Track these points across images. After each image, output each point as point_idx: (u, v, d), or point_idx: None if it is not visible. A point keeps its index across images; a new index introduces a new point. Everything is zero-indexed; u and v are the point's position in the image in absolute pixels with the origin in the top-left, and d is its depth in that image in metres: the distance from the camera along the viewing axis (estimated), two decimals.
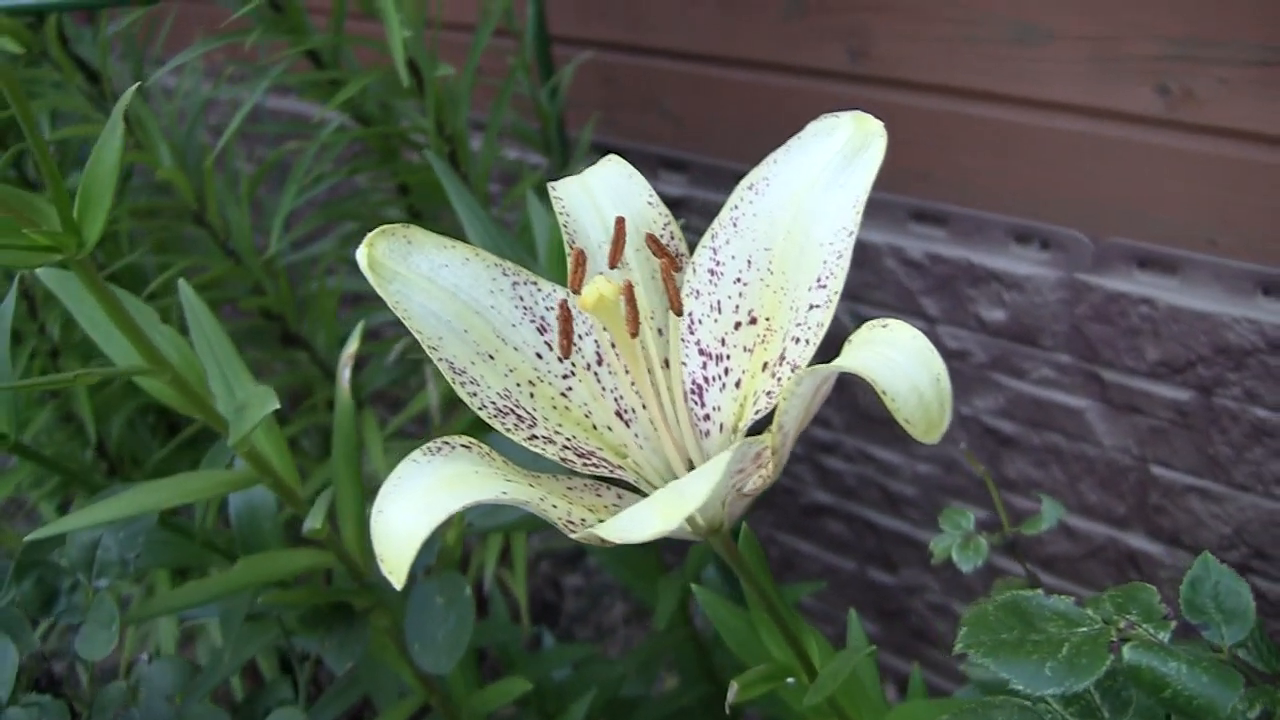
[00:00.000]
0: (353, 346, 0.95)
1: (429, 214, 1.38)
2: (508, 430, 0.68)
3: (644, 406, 0.72)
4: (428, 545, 0.70)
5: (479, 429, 0.70)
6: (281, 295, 1.35)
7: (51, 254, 0.75)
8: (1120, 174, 1.34)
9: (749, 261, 0.72)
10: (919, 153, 1.48)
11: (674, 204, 1.70)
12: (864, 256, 1.54)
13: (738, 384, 0.72)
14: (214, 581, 0.92)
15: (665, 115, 1.68)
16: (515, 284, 0.71)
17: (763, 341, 0.71)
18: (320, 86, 1.27)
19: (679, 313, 0.70)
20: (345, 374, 0.95)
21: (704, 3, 1.57)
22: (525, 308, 0.71)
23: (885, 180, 1.49)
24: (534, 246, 1.13)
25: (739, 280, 0.72)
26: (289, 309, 1.35)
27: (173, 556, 1.00)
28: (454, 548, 0.99)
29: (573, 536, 0.61)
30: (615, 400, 0.72)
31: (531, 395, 0.70)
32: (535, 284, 0.72)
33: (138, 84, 0.77)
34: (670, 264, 0.68)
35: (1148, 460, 1.41)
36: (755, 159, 1.58)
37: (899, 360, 0.57)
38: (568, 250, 0.73)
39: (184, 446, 1.34)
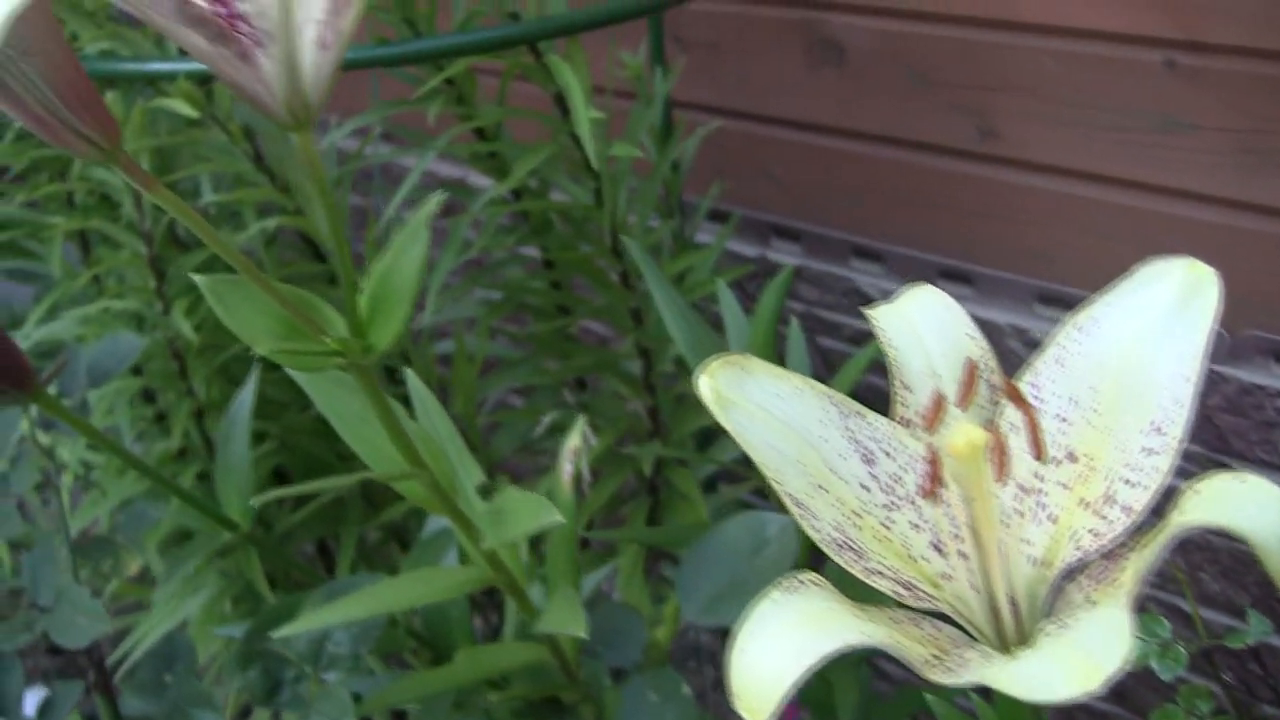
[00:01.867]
0: (575, 441, 0.95)
1: (566, 283, 1.37)
2: (847, 564, 0.68)
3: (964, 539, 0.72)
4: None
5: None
6: (426, 362, 1.33)
7: (334, 359, 0.74)
8: (1259, 266, 1.35)
9: (1072, 400, 0.72)
10: (1045, 235, 1.48)
11: None
12: (987, 337, 1.54)
13: (1053, 519, 0.72)
14: (439, 675, 0.91)
15: (776, 182, 1.68)
16: (843, 414, 0.71)
17: (1082, 480, 0.71)
18: (481, 156, 1.26)
19: (1042, 460, 0.69)
20: (568, 468, 0.94)
21: (823, 72, 1.58)
22: (853, 439, 0.71)
23: (1009, 260, 1.50)
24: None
25: (1060, 417, 0.72)
26: (431, 376, 1.34)
27: (381, 644, 0.98)
28: (664, 643, 0.99)
29: (932, 678, 0.60)
30: (933, 531, 0.72)
31: (858, 527, 0.70)
32: (862, 415, 0.71)
33: (440, 193, 0.76)
34: (1030, 415, 0.68)
35: None
36: (873, 231, 1.59)
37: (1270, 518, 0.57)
38: (893, 381, 0.72)
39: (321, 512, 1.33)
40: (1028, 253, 1.51)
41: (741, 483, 1.47)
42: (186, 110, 1.13)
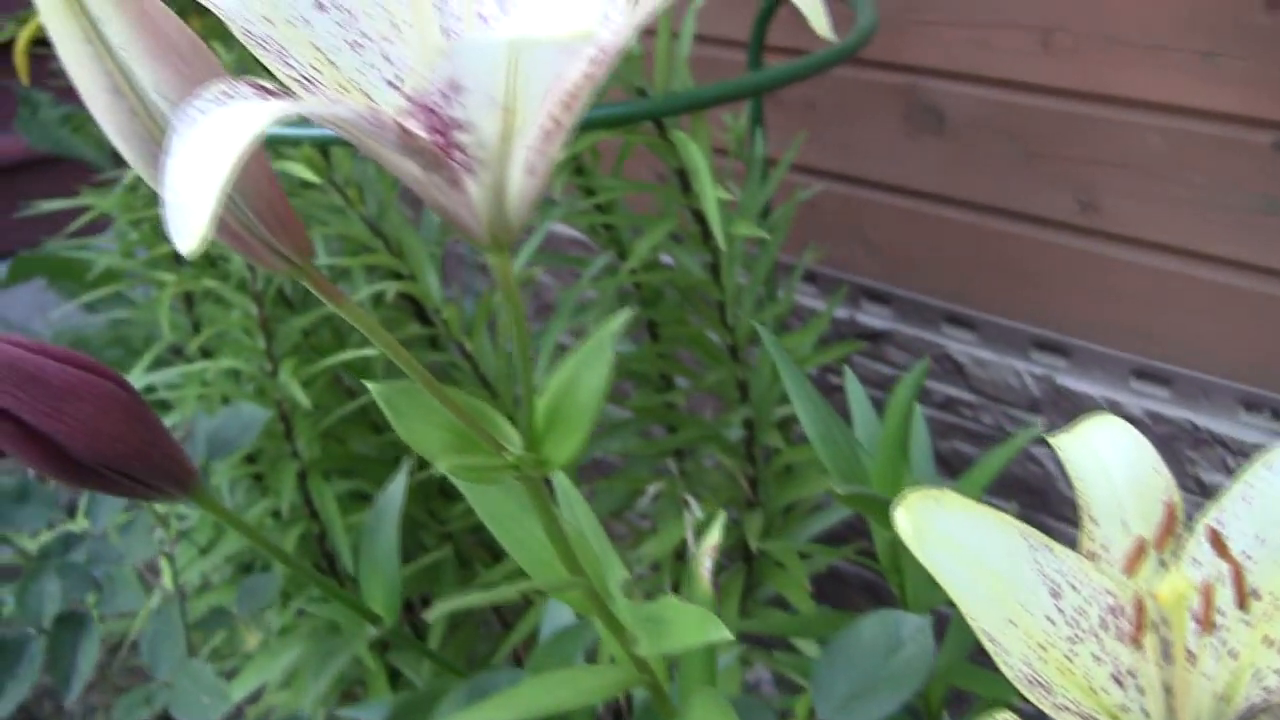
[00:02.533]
0: (715, 538, 0.94)
1: (671, 353, 1.36)
2: (1038, 699, 0.67)
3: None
4: None
5: None
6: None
7: (508, 471, 0.73)
8: None
9: (1259, 538, 0.71)
10: (1144, 310, 1.47)
11: (876, 336, 1.69)
12: (1077, 408, 1.53)
13: (1233, 655, 0.71)
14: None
15: (869, 246, 1.67)
16: (1031, 547, 0.70)
17: (1267, 618, 0.70)
18: (598, 227, 1.26)
19: (1245, 609, 0.68)
20: (707, 565, 0.93)
21: (923, 140, 1.57)
22: (1041, 572, 0.70)
23: (1105, 334, 1.49)
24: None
25: (1245, 554, 0.71)
26: None
27: None
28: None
29: None
30: (1114, 664, 0.71)
31: (1043, 660, 0.69)
32: (1049, 548, 0.71)
33: (626, 311, 0.75)
34: (1235, 566, 0.67)
35: None
36: (967, 299, 1.58)
37: None
38: (1081, 514, 0.72)
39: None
40: (1125, 327, 1.49)
41: (839, 547, 1.46)
42: (308, 175, 1.12)
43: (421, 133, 0.57)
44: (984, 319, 1.60)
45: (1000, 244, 1.55)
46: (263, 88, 0.55)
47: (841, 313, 1.70)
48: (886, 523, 1.08)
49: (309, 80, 0.60)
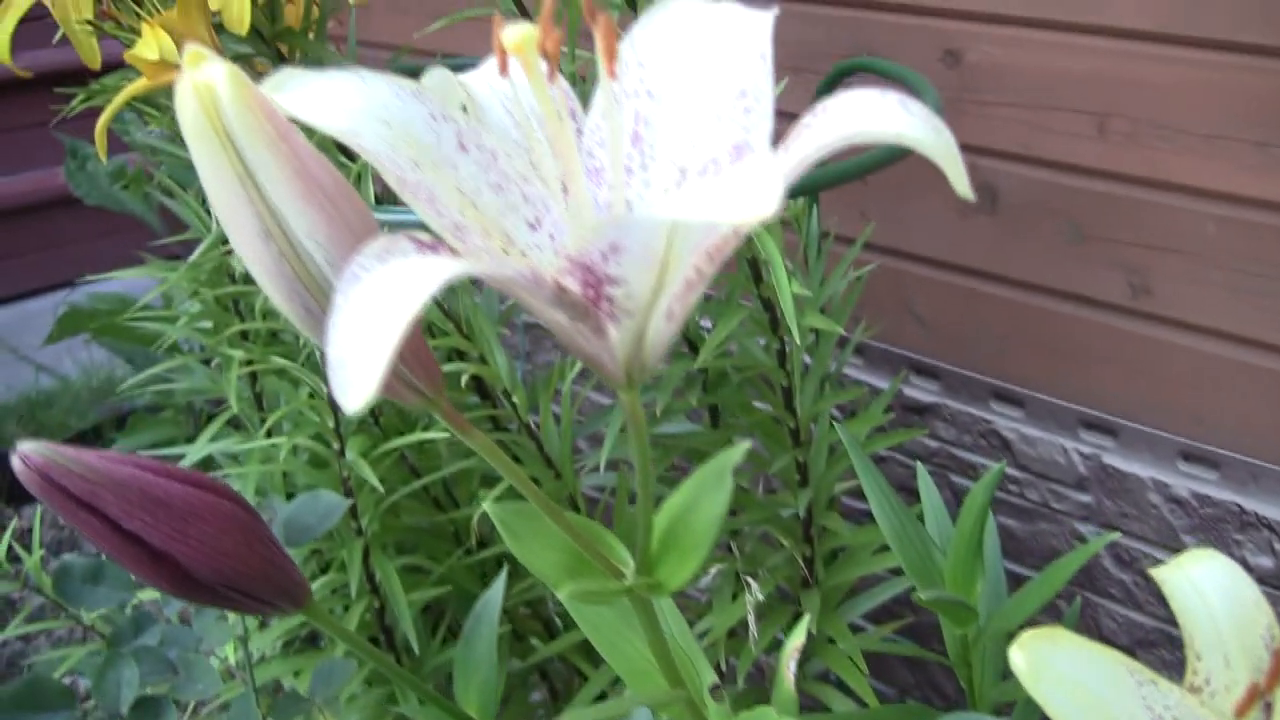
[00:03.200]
0: (799, 639, 0.95)
1: (731, 439, 1.37)
2: None
3: None
4: None
5: None
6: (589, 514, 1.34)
7: (620, 593, 0.74)
8: None
9: None
10: (1193, 394, 1.48)
11: (923, 410, 1.70)
12: (1124, 487, 1.55)
13: None
14: None
15: (918, 320, 1.68)
16: (1138, 683, 0.71)
17: None
18: None
19: None
20: (792, 668, 0.94)
21: (975, 218, 1.58)
22: (1148, 707, 0.71)
23: (1154, 415, 1.50)
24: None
25: None
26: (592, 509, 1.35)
27: None
28: None
29: None
30: None
31: None
32: (1155, 683, 0.71)
33: (745, 443, 0.76)
34: None
35: None
36: (1014, 375, 1.59)
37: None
38: (1186, 648, 0.73)
39: None
40: (1174, 410, 1.51)
41: (888, 623, 1.47)
42: None
43: (576, 288, 0.58)
44: (1032, 396, 1.61)
45: (1050, 322, 1.57)
46: (419, 241, 0.56)
47: (888, 384, 1.72)
48: (960, 620, 1.09)
49: (458, 227, 0.61)
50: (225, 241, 1.29)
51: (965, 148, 1.60)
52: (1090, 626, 1.66)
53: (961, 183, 0.63)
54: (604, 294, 0.59)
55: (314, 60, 1.20)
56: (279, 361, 1.23)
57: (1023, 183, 1.53)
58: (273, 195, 0.59)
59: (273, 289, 0.62)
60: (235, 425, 1.40)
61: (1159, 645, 1.59)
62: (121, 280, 1.65)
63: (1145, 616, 1.58)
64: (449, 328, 1.22)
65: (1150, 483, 1.54)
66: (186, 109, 0.56)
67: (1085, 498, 1.59)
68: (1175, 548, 1.54)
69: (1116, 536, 1.03)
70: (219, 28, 1.14)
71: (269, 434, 1.34)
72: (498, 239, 0.64)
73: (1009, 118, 1.51)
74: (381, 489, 1.20)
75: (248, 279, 1.27)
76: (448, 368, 1.23)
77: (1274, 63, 1.31)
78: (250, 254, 0.61)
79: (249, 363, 1.30)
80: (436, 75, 0.70)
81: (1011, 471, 1.65)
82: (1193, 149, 1.40)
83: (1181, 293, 1.46)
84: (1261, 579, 1.47)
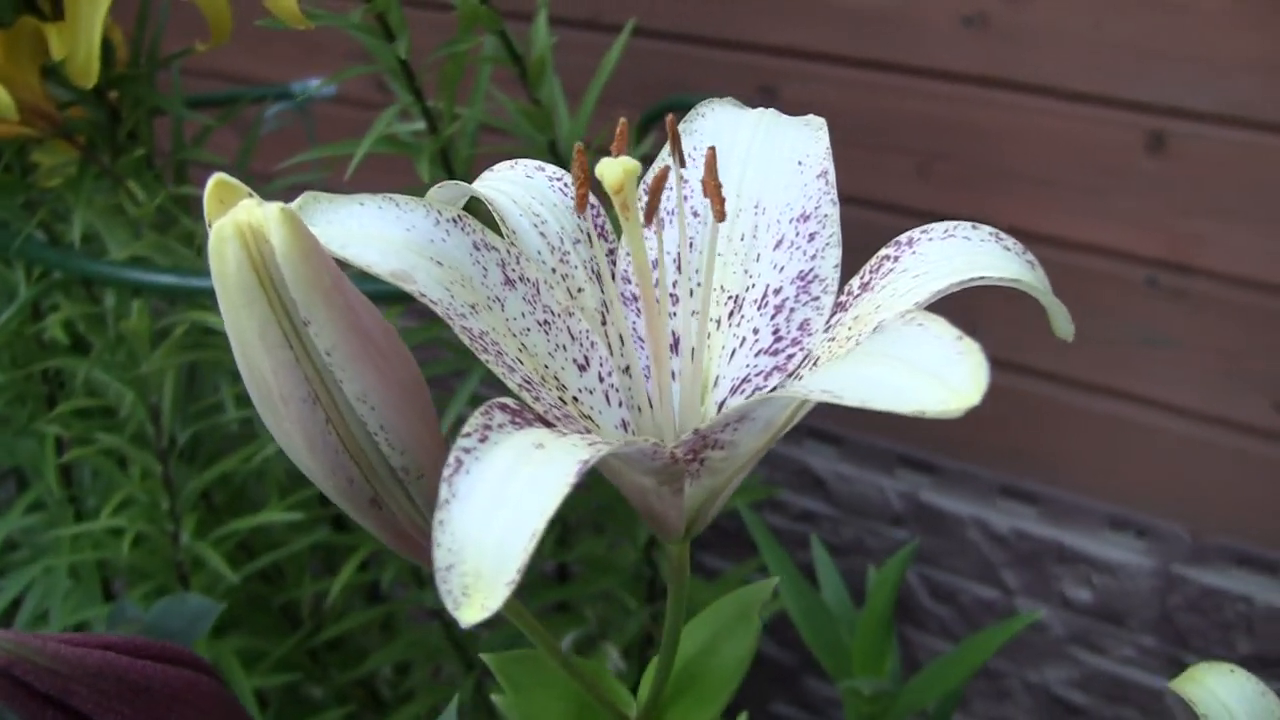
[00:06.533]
0: None
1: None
2: None
3: None
4: None
5: None
6: None
7: None
8: (1228, 479, 1.41)
9: None
10: (1015, 432, 1.51)
11: None
12: (944, 525, 1.56)
13: None
14: None
15: None
16: None
17: None
18: None
19: None
20: None
21: None
22: None
23: (975, 454, 1.53)
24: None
25: None
26: None
27: None
28: None
29: None
30: None
31: None
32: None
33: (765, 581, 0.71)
34: None
35: None
36: (831, 416, 1.57)
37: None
38: None
39: None
40: (995, 448, 1.53)
41: None
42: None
43: (684, 454, 0.53)
44: (848, 435, 1.62)
45: None
46: (512, 410, 0.49)
47: (783, 450, 1.69)
48: (865, 709, 1.06)
49: (528, 382, 0.54)
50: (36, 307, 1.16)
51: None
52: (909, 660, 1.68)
53: (1066, 324, 0.60)
54: (702, 457, 0.54)
55: (144, 103, 1.09)
56: (103, 439, 1.11)
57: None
58: (324, 355, 0.51)
59: (310, 459, 0.53)
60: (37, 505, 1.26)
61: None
62: None
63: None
64: None
65: (970, 519, 1.56)
66: (228, 257, 0.48)
67: (902, 534, 1.60)
68: (994, 582, 1.57)
69: (1038, 615, 1.03)
70: (46, 72, 1.02)
71: (78, 516, 1.21)
72: (553, 387, 0.57)
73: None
74: (231, 574, 1.10)
75: (65, 350, 1.15)
76: None
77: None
78: (290, 424, 0.52)
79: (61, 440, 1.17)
80: (449, 190, 0.62)
81: (824, 509, 1.65)
82: (1027, 194, 1.42)
83: (1013, 335, 1.48)
84: (1082, 611, 1.52)
